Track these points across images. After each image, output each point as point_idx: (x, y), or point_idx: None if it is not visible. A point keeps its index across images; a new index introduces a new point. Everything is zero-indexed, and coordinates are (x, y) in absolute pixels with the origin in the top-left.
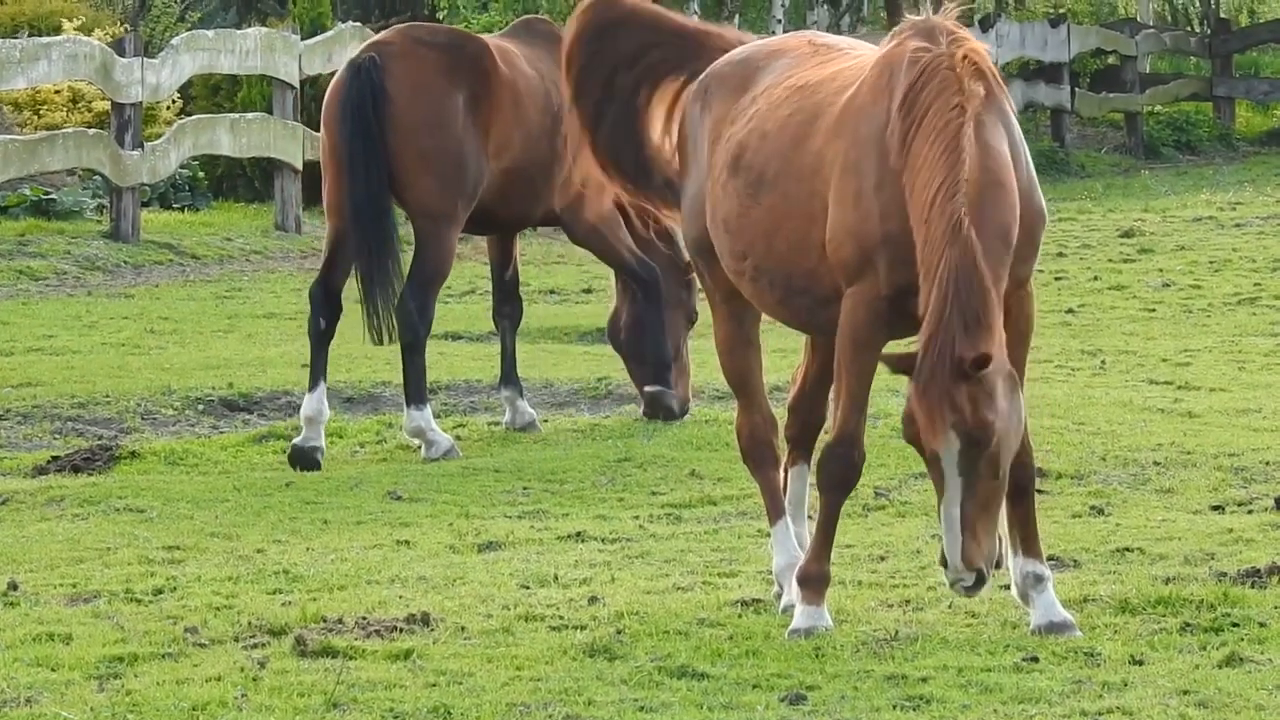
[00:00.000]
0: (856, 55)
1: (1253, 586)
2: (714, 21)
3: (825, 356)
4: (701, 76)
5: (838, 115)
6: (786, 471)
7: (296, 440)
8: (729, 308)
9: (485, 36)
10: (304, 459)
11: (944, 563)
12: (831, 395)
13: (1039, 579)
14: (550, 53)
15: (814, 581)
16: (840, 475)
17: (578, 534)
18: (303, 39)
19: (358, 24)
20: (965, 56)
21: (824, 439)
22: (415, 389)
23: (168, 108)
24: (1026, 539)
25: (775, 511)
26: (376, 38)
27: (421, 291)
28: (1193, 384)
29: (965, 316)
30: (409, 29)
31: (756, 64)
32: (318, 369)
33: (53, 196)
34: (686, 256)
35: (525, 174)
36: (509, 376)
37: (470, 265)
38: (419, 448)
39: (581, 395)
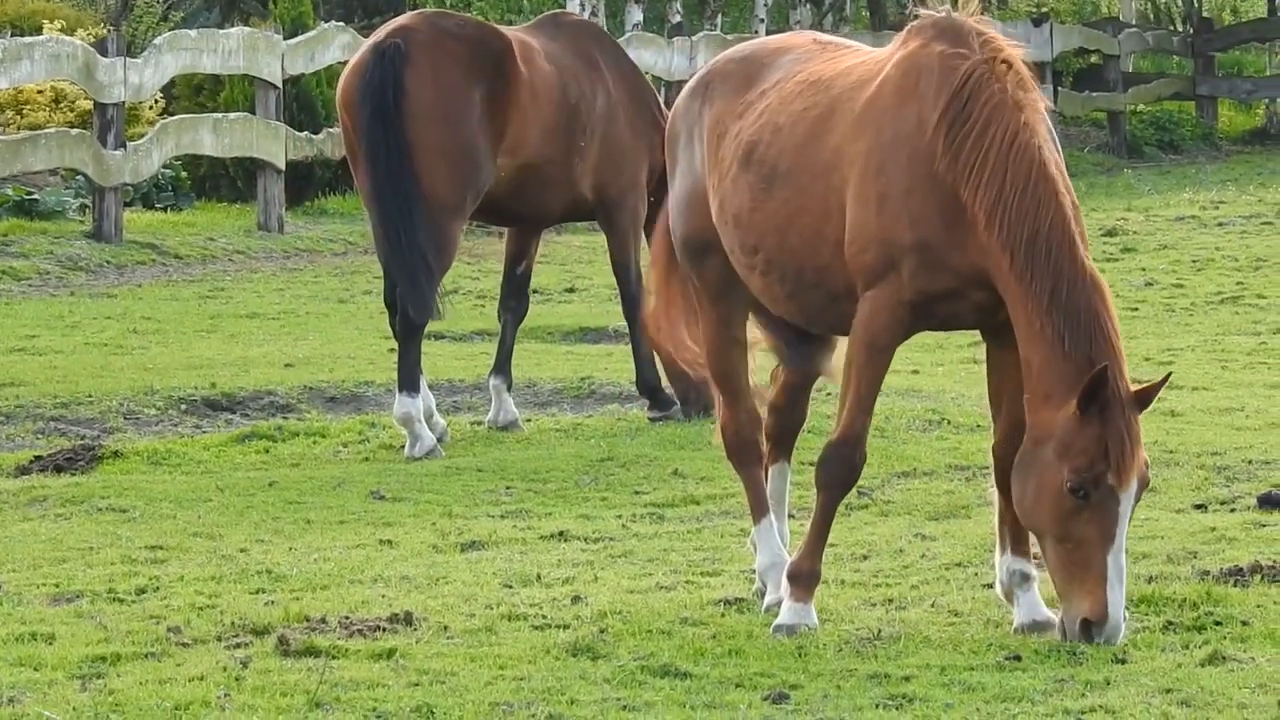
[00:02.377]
0: (866, 52)
1: (1235, 585)
2: (696, 21)
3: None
4: (700, 73)
5: (857, 113)
6: (767, 470)
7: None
8: (718, 309)
9: (509, 31)
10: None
11: (1099, 617)
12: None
13: (1026, 578)
14: (573, 47)
15: (804, 578)
16: (841, 475)
17: (561, 533)
18: (285, 39)
19: (340, 24)
20: (1006, 63)
21: (804, 436)
22: (408, 376)
23: (150, 108)
24: (1018, 537)
25: (759, 509)
26: (402, 21)
27: (426, 280)
28: (1175, 383)
29: (1121, 360)
30: (437, 16)
31: (761, 60)
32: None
33: (35, 196)
34: None
35: (540, 168)
36: (501, 367)
37: (453, 265)
38: (403, 446)
39: (564, 395)
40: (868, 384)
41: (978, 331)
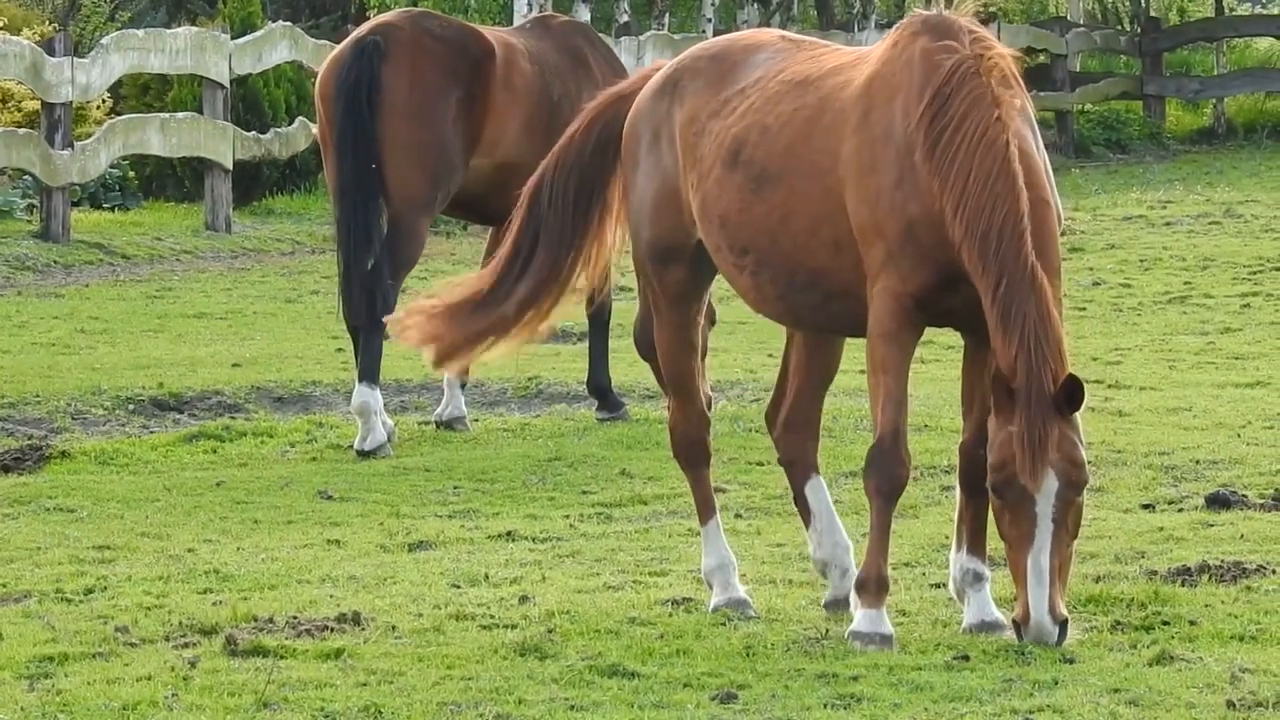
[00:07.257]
0: (847, 50)
1: (1183, 585)
2: (645, 20)
3: (823, 363)
4: (666, 71)
5: (848, 113)
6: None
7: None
8: (675, 313)
9: (493, 33)
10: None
11: (1023, 619)
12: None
13: (978, 577)
14: (560, 45)
15: (872, 587)
16: (887, 478)
17: (508, 533)
18: (233, 38)
19: (288, 23)
20: (991, 60)
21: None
22: (368, 369)
23: (98, 107)
24: (974, 536)
25: (706, 510)
26: (385, 18)
27: (390, 275)
28: (1123, 383)
29: (1049, 359)
30: (421, 15)
31: (733, 57)
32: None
33: None
34: None
35: (521, 166)
36: None
37: None
38: (350, 445)
39: (512, 394)
40: (891, 378)
41: (939, 331)
